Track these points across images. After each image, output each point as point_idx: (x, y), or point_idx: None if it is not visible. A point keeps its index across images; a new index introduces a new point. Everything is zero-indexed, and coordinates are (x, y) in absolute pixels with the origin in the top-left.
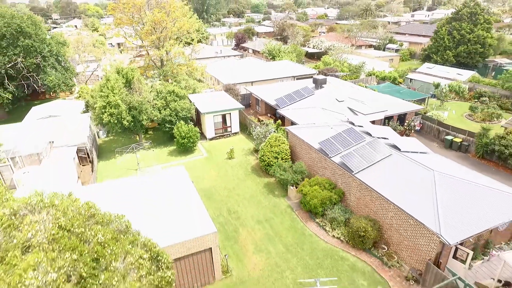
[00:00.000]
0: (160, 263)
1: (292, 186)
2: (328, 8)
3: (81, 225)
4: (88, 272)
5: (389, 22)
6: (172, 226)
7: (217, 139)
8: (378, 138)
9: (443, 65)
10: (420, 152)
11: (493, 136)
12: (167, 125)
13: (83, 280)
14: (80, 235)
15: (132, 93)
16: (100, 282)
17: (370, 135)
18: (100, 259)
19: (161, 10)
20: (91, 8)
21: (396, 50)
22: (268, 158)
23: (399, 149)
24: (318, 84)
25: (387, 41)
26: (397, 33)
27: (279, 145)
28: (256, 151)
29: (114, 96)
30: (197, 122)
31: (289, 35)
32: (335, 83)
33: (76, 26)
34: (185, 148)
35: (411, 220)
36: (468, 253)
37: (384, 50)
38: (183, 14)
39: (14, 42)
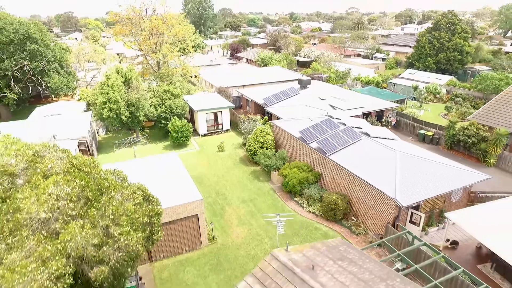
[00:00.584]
0: (151, 202)
1: (275, 171)
2: (322, 22)
3: (88, 166)
4: (93, 196)
5: (380, 35)
6: (164, 194)
7: (209, 135)
8: (352, 127)
9: (425, 71)
10: (388, 138)
11: (458, 128)
12: (162, 121)
13: (89, 202)
14: (87, 172)
15: (130, 91)
16: (102, 203)
17: (345, 125)
18: (102, 189)
19: (157, 18)
20: (91, 22)
21: (383, 59)
22: (254, 148)
23: (369, 135)
24: (303, 84)
25: (375, 51)
26: (385, 44)
27: (264, 136)
28: (244, 144)
29: (113, 93)
30: (191, 120)
31: (282, 45)
32: (319, 84)
33: (76, 38)
34: (179, 142)
35: (373, 190)
36: (421, 216)
37: (372, 59)
38: (179, 22)
39: (21, 47)
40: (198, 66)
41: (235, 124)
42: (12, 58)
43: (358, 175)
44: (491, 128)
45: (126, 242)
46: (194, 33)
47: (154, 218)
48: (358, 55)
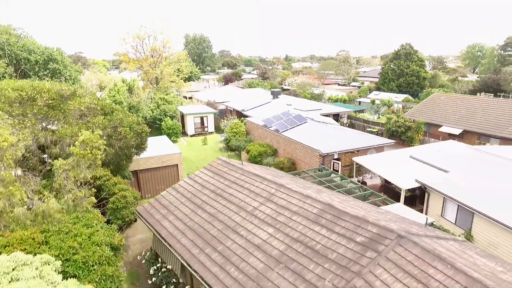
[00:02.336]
0: (142, 125)
1: (244, 151)
2: (314, 63)
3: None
4: (108, 110)
5: (362, 71)
6: (155, 150)
7: (196, 136)
8: (306, 117)
9: (388, 93)
10: (328, 123)
11: (392, 122)
12: (157, 122)
13: (106, 114)
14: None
15: (132, 96)
16: (113, 115)
17: (300, 115)
18: (114, 110)
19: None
20: (98, 63)
21: (358, 87)
22: (229, 136)
23: (314, 120)
24: (275, 95)
25: (351, 80)
26: (363, 76)
27: (237, 128)
28: (225, 139)
29: (119, 96)
30: (182, 123)
31: (269, 76)
32: (288, 96)
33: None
34: (170, 138)
35: (307, 148)
36: (339, 163)
37: (348, 86)
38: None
39: (45, 66)
40: (194, 91)
41: (219, 129)
42: (36, 75)
43: (298, 140)
44: (415, 121)
45: (125, 135)
46: (189, 61)
47: (143, 134)
48: (337, 84)
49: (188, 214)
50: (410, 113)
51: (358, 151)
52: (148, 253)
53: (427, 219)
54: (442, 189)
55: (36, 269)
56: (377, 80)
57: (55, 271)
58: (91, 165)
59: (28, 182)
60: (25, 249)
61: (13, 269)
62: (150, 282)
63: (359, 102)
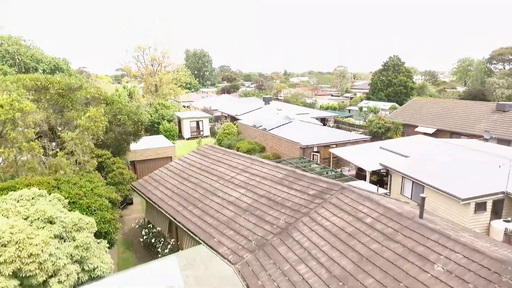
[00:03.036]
0: (138, 115)
1: (233, 149)
2: (311, 78)
3: (109, 98)
4: (109, 101)
5: (356, 85)
6: (152, 144)
7: (192, 139)
8: (294, 118)
9: (377, 101)
10: (313, 123)
11: (374, 123)
12: (155, 125)
13: (107, 103)
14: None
15: (132, 101)
16: (114, 104)
17: (287, 116)
18: (114, 101)
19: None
20: (103, 78)
21: (351, 98)
22: (222, 137)
23: (299, 120)
24: (266, 101)
25: (344, 92)
26: (356, 89)
27: (229, 129)
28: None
29: (120, 99)
30: (178, 128)
31: (265, 88)
32: (279, 102)
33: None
34: None
35: (289, 143)
36: (318, 155)
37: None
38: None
39: (52, 74)
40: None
41: (214, 134)
42: None
43: (282, 136)
44: (394, 123)
45: (123, 122)
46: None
47: (139, 123)
48: (330, 95)
49: (175, 184)
50: (390, 116)
51: (336, 145)
52: (141, 221)
53: (377, 189)
54: (401, 169)
55: (50, 201)
56: (367, 90)
57: (64, 207)
58: (94, 136)
59: (43, 145)
60: (41, 189)
61: (32, 198)
62: (141, 240)
63: (349, 110)
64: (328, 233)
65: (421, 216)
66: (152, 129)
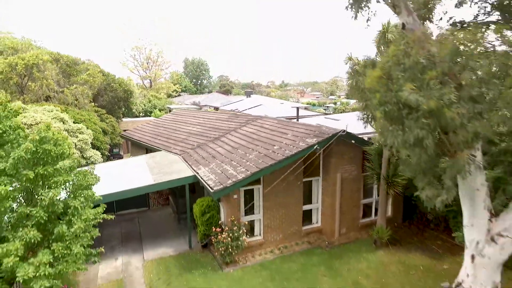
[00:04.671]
0: (129, 86)
1: None
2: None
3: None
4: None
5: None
6: (141, 118)
7: None
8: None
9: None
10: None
11: (336, 111)
12: (148, 113)
13: (105, 89)
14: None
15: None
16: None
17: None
18: None
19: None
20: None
21: (334, 99)
22: None
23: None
24: (248, 94)
25: (329, 94)
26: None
27: None
28: None
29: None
30: None
31: (256, 92)
32: (260, 96)
33: None
34: None
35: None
36: None
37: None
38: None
39: None
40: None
41: None
42: None
43: (248, 113)
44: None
45: (115, 88)
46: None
47: (129, 92)
48: (315, 96)
49: (151, 130)
50: (350, 106)
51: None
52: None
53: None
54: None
55: (62, 113)
56: None
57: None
58: (91, 87)
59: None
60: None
61: (51, 110)
62: None
63: (327, 107)
64: (243, 135)
65: (297, 120)
66: (146, 116)
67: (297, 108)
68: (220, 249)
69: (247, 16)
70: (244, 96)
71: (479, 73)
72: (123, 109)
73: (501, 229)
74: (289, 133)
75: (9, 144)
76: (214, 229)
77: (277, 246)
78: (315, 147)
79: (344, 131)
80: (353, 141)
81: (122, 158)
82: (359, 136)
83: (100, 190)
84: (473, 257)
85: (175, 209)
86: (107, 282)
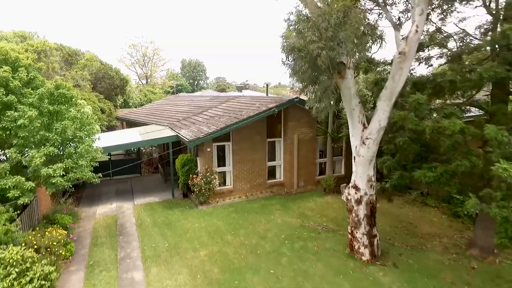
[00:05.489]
0: (125, 76)
1: None
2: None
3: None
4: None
5: None
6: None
7: None
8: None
9: None
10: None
11: None
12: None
13: (103, 77)
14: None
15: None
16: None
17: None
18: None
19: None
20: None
21: None
22: None
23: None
24: (239, 89)
25: None
26: None
27: None
28: None
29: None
30: None
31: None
32: (250, 91)
33: None
34: None
35: None
36: None
37: None
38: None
39: None
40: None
41: None
42: None
43: None
44: None
45: (112, 76)
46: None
47: (125, 81)
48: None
49: (146, 111)
50: None
51: None
52: None
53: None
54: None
55: None
56: None
57: None
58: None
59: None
60: None
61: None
62: None
63: None
64: (220, 109)
65: (267, 94)
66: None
67: (267, 85)
68: (196, 190)
69: (246, 17)
70: (237, 91)
71: None
72: (121, 101)
73: (367, 134)
74: (257, 104)
75: (36, 86)
76: (191, 176)
77: (244, 193)
78: (273, 109)
79: (298, 98)
80: (306, 107)
81: None
82: None
83: (99, 145)
84: (354, 158)
85: (163, 174)
86: (104, 216)
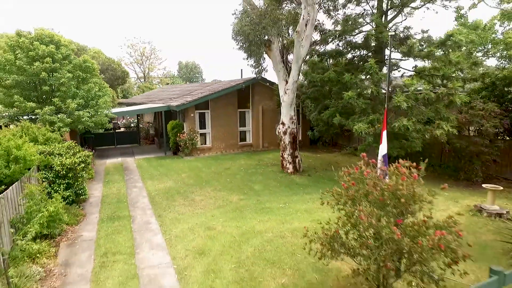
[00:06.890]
0: (125, 70)
1: None
2: None
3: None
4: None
5: None
6: None
7: None
8: None
9: None
10: None
11: None
12: None
13: (106, 69)
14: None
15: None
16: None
17: None
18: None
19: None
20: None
21: None
22: None
23: None
24: None
25: None
26: None
27: None
28: None
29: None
30: None
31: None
32: None
33: None
34: None
35: None
36: None
37: None
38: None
39: None
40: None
41: None
42: None
43: None
44: None
45: (114, 67)
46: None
47: (125, 73)
48: None
49: (144, 96)
50: None
51: None
52: None
53: None
54: None
55: None
56: None
57: None
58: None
59: None
60: None
61: None
62: None
63: None
64: (206, 90)
65: (241, 77)
66: None
67: (241, 70)
68: (182, 145)
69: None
70: None
71: None
72: (121, 96)
73: (287, 86)
74: (233, 84)
75: (70, 61)
76: (179, 135)
77: (221, 150)
78: (241, 84)
79: (260, 76)
80: (267, 84)
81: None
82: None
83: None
84: (280, 104)
85: (158, 143)
86: (112, 164)
